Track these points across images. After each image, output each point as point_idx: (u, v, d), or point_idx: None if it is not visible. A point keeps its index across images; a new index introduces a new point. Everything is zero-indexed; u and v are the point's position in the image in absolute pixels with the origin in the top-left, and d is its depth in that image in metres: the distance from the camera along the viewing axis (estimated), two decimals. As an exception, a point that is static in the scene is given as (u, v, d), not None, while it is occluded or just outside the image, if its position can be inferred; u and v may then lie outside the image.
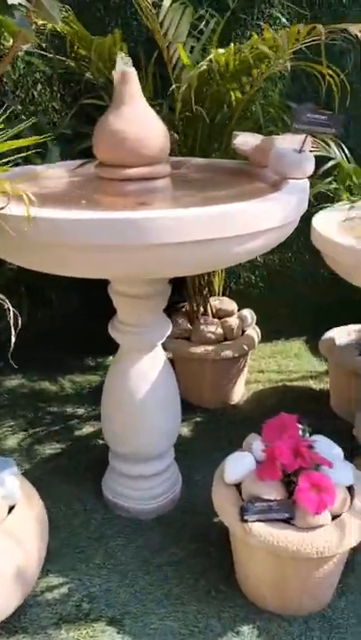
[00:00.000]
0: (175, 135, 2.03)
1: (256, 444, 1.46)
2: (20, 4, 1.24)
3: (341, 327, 2.31)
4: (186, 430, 2.12)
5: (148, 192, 1.45)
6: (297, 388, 2.39)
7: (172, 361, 2.30)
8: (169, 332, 1.61)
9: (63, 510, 1.74)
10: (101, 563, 1.57)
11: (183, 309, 2.35)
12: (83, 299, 2.38)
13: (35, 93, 2.12)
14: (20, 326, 1.11)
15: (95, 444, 2.03)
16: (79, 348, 2.52)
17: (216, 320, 2.24)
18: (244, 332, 2.28)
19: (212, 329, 2.19)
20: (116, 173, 1.43)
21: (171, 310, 2.37)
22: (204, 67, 1.66)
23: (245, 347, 2.19)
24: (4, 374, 2.42)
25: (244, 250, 1.26)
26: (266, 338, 2.68)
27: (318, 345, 2.24)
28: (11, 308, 1.11)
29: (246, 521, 1.31)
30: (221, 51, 1.61)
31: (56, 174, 1.74)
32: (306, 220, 1.61)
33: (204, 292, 2.25)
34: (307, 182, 1.44)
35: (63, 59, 1.98)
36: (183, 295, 2.35)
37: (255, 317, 2.32)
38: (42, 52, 1.94)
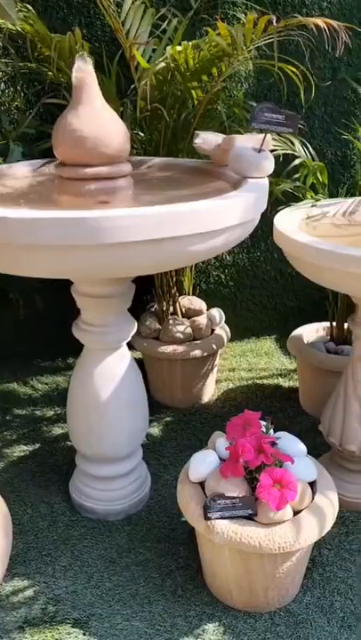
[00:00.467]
0: (140, 134, 2.03)
1: (220, 441, 1.46)
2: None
3: (310, 325, 2.33)
4: (156, 430, 2.12)
5: (108, 191, 1.45)
6: (267, 386, 2.41)
7: (142, 361, 2.31)
8: (134, 332, 1.60)
9: (30, 513, 1.73)
10: (67, 565, 1.56)
11: (152, 309, 2.35)
12: (52, 299, 2.36)
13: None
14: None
15: (64, 446, 2.02)
16: (49, 350, 2.51)
17: (185, 320, 2.24)
18: (213, 331, 2.28)
19: (181, 328, 2.19)
20: (76, 173, 1.42)
21: (140, 310, 2.37)
22: (163, 64, 1.66)
23: (214, 346, 2.20)
24: (-27, 377, 2.40)
25: (202, 249, 1.26)
26: (237, 336, 2.70)
27: (286, 343, 2.25)
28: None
29: (209, 518, 1.32)
30: (179, 48, 1.60)
31: (20, 173, 1.73)
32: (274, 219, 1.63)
33: (173, 292, 2.25)
34: (266, 181, 1.45)
35: (24, 58, 1.97)
36: (152, 295, 2.35)
37: (224, 316, 2.33)
38: (3, 52, 1.93)
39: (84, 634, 1.38)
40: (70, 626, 1.40)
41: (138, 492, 1.74)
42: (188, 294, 2.35)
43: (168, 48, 1.63)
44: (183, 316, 2.28)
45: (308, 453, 1.50)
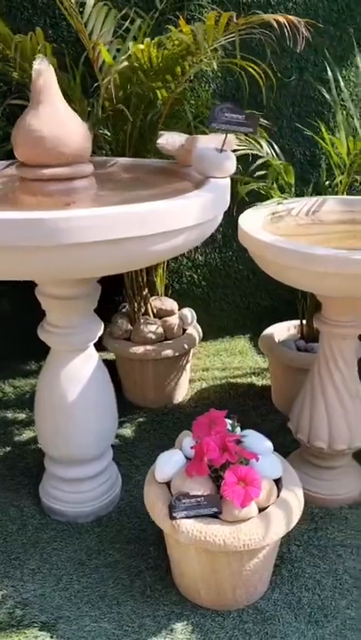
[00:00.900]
0: (107, 134, 2.02)
1: (186, 441, 1.46)
2: None
3: (281, 323, 2.34)
4: (128, 431, 2.12)
5: (69, 192, 1.44)
6: (241, 385, 2.41)
7: (114, 362, 2.30)
8: (100, 333, 1.60)
9: (-1, 517, 1.72)
10: (36, 568, 1.55)
11: (124, 310, 2.35)
12: (21, 301, 2.35)
13: None
14: None
15: (34, 449, 2.01)
16: (20, 352, 2.49)
17: (157, 320, 2.24)
18: (185, 330, 2.29)
19: (153, 329, 2.19)
20: (35, 173, 1.41)
21: (112, 311, 2.36)
22: (126, 63, 1.65)
23: (186, 345, 2.20)
24: None
25: (163, 248, 1.26)
26: (211, 336, 2.71)
27: (258, 342, 2.27)
28: None
29: (174, 518, 1.32)
30: (141, 46, 1.60)
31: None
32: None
33: (145, 293, 2.25)
34: (227, 181, 1.45)
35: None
36: (124, 296, 2.34)
37: (195, 316, 2.33)
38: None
39: (52, 637, 1.37)
40: (38, 629, 1.39)
41: (108, 493, 1.73)
42: (161, 295, 2.35)
43: (130, 44, 1.63)
44: (155, 317, 2.28)
45: (278, 451, 1.51)
